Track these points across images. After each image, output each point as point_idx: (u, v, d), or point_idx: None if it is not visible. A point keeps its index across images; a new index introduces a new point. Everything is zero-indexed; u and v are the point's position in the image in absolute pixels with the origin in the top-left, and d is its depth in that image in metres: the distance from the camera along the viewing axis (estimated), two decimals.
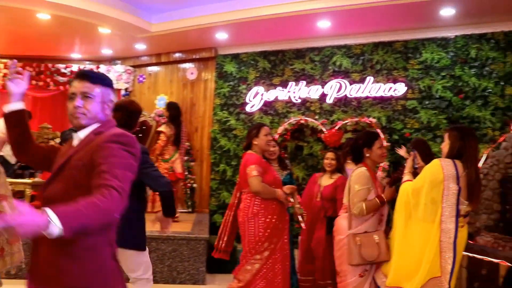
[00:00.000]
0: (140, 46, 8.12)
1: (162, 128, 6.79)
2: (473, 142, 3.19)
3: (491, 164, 5.71)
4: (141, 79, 8.82)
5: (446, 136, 3.33)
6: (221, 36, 7.34)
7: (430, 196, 3.08)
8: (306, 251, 4.82)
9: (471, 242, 4.90)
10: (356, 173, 3.73)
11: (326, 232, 4.49)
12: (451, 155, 3.19)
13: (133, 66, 8.85)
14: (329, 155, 4.88)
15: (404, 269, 3.17)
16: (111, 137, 1.87)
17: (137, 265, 3.42)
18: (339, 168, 4.83)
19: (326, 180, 4.81)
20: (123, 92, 8.76)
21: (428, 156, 4.06)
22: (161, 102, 8.42)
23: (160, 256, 5.32)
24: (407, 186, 3.30)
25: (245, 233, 4.09)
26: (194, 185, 7.99)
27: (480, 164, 5.83)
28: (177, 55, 8.33)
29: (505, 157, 5.57)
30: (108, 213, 1.65)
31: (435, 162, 3.16)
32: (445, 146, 3.30)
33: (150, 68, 8.79)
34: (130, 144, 1.89)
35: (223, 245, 4.48)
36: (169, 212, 3.42)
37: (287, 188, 4.23)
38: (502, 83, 6.21)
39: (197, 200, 8.05)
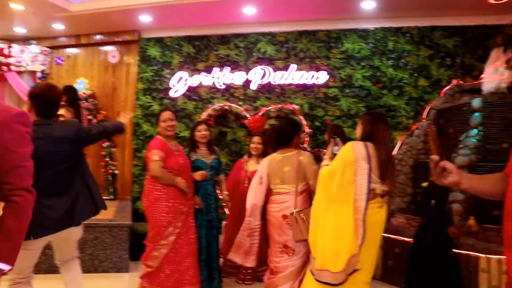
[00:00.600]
0: (58, 26, 7.70)
1: (61, 112, 6.53)
2: (382, 125, 3.34)
3: (405, 150, 6.03)
4: (59, 61, 8.39)
5: (359, 121, 3.53)
6: (145, 18, 7.14)
7: (345, 177, 3.16)
8: (232, 237, 4.66)
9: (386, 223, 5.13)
10: (307, 156, 3.96)
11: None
12: (362, 138, 3.35)
13: (50, 47, 8.37)
14: (256, 139, 4.90)
15: (327, 251, 3.18)
16: (16, 116, 1.82)
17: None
18: (265, 153, 4.78)
19: (253, 165, 4.82)
20: (39, 74, 8.28)
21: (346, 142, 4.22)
22: (80, 85, 8.03)
23: (81, 245, 5.05)
24: (324, 170, 3.37)
25: (149, 218, 4.06)
26: (116, 171, 7.74)
27: (395, 150, 6.15)
28: (98, 37, 7.99)
29: (417, 144, 5.91)
30: (29, 218, 1.81)
31: (347, 145, 3.29)
32: (358, 131, 3.48)
33: (69, 50, 8.36)
34: (30, 125, 1.89)
35: None
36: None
37: (198, 174, 4.32)
38: (416, 74, 6.58)
39: (119, 186, 7.81)
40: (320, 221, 3.33)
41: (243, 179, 4.80)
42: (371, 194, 3.16)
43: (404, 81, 6.61)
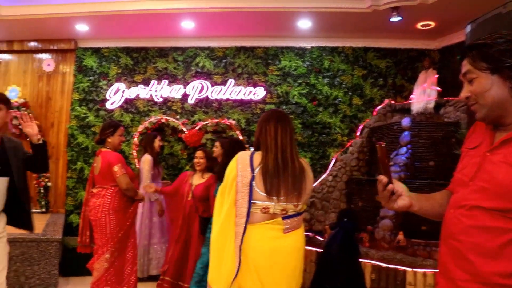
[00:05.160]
0: None
1: None
2: (272, 126, 2.62)
3: (339, 167, 6.20)
4: None
5: None
6: (82, 28, 6.98)
7: (229, 195, 2.54)
8: (176, 252, 4.74)
9: (321, 238, 5.25)
10: None
11: (199, 232, 4.49)
12: (255, 147, 2.73)
13: None
14: (198, 153, 4.87)
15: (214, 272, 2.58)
16: None
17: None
18: (210, 167, 4.83)
19: (197, 179, 4.80)
20: None
21: None
22: (12, 94, 7.76)
23: None
24: (219, 188, 2.72)
25: (105, 227, 4.16)
26: (49, 183, 7.49)
27: (329, 167, 6.30)
28: (32, 44, 7.73)
29: (351, 160, 6.09)
30: None
31: (234, 157, 2.65)
32: None
33: (0, 56, 8.06)
34: None
35: (87, 239, 4.41)
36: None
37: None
38: (350, 93, 6.78)
39: (51, 199, 7.55)
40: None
41: (187, 192, 4.76)
42: (267, 214, 2.50)
43: (339, 99, 6.80)
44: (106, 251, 4.14)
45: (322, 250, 4.47)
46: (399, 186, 1.65)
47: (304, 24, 6.39)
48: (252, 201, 2.49)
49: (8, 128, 7.58)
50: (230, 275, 2.41)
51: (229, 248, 2.46)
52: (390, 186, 1.62)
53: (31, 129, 3.18)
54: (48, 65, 7.78)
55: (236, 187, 2.50)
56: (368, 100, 6.76)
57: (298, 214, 2.58)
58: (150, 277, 5.46)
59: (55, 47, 7.66)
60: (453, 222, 1.58)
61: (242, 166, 2.54)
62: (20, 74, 7.91)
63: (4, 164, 3.06)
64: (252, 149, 2.77)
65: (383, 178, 1.63)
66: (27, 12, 6.64)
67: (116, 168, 4.15)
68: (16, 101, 7.50)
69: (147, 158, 5.47)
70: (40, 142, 3.23)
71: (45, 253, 5.11)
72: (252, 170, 2.52)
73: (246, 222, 2.45)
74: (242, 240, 2.43)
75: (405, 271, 4.29)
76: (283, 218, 2.52)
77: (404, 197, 1.66)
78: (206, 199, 4.58)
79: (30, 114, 7.17)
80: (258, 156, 2.58)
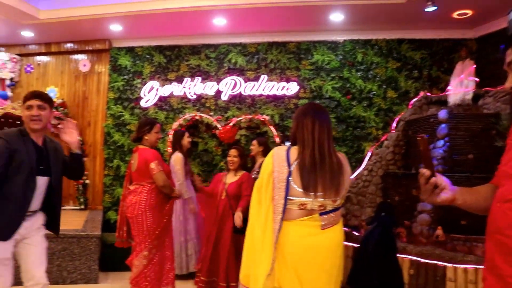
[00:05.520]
0: (27, 34, 7.61)
1: None
2: (309, 120, 2.57)
3: (374, 161, 6.12)
4: (28, 69, 8.28)
5: None
6: (116, 28, 7.11)
7: (266, 191, 2.52)
8: (210, 250, 4.73)
9: (357, 233, 5.20)
10: None
11: (234, 230, 4.48)
12: (291, 141, 2.69)
13: (20, 55, 8.25)
14: (232, 152, 4.85)
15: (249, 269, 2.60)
16: None
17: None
18: (243, 165, 4.83)
19: (230, 178, 4.79)
20: (8, 82, 8.17)
21: None
22: (51, 94, 7.96)
23: (48, 256, 4.97)
24: (255, 185, 2.71)
25: (142, 224, 4.20)
26: (87, 181, 7.68)
27: (365, 161, 6.23)
28: (68, 45, 7.92)
29: (386, 154, 6.00)
30: None
31: (270, 152, 2.63)
32: None
33: (38, 58, 8.26)
34: None
35: (124, 234, 4.47)
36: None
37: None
38: (384, 86, 6.68)
39: (90, 196, 7.74)
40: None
41: (221, 192, 4.76)
42: (304, 211, 2.46)
43: (373, 92, 6.71)
44: (144, 248, 4.19)
45: (358, 246, 4.42)
46: (442, 180, 1.60)
47: (337, 17, 6.32)
48: (289, 197, 2.45)
49: (48, 127, 7.77)
50: (266, 273, 2.41)
51: (267, 246, 2.44)
52: (433, 179, 1.58)
53: (70, 137, 3.20)
54: (84, 65, 7.95)
55: (273, 183, 2.47)
56: (403, 93, 6.65)
57: (336, 209, 2.53)
58: (190, 274, 5.49)
59: (90, 48, 7.83)
60: (500, 216, 1.52)
61: (278, 161, 2.50)
62: (58, 75, 8.12)
63: (46, 164, 3.09)
64: (287, 144, 2.75)
65: (425, 172, 1.58)
66: (64, 15, 6.82)
67: (153, 165, 4.18)
68: (54, 101, 7.67)
69: (178, 157, 5.43)
70: (79, 151, 3.26)
71: (85, 249, 5.23)
72: (289, 165, 2.48)
73: (282, 219, 2.42)
74: (277, 237, 2.41)
75: (445, 267, 4.20)
76: (321, 214, 2.47)
77: (448, 191, 1.61)
78: (239, 197, 4.60)
79: (69, 115, 7.39)
80: (294, 151, 2.53)
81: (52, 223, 3.29)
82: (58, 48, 7.99)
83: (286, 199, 2.43)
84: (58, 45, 7.98)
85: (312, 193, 2.44)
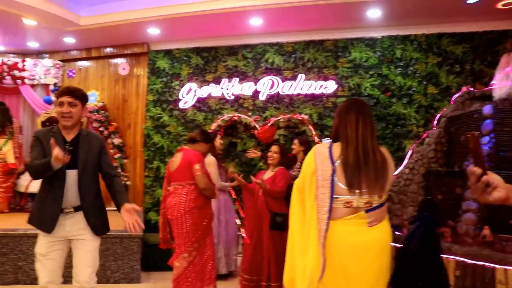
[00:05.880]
0: (69, 40, 7.83)
1: None
2: (352, 116, 2.52)
3: (416, 159, 5.99)
4: (70, 74, 8.52)
5: None
6: (153, 31, 7.23)
7: (310, 191, 2.47)
8: (250, 248, 4.74)
9: (399, 233, 5.11)
10: None
11: (270, 227, 4.45)
12: (333, 138, 2.61)
13: (62, 60, 8.51)
14: (273, 148, 4.84)
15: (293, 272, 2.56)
16: None
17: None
18: (283, 163, 4.80)
19: (268, 174, 4.79)
20: (51, 87, 8.43)
21: None
22: (92, 98, 8.16)
23: None
24: (294, 184, 2.69)
25: (182, 225, 4.21)
26: (128, 182, 7.84)
27: (405, 159, 6.12)
28: (108, 49, 8.11)
29: (428, 152, 5.87)
30: None
31: (311, 150, 2.57)
32: None
33: (80, 63, 8.49)
34: None
35: (168, 235, 4.52)
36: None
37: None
38: (424, 82, 6.54)
39: (130, 197, 7.88)
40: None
41: (258, 188, 4.73)
42: (350, 209, 2.41)
43: (413, 89, 6.57)
44: (184, 251, 4.21)
45: (401, 246, 4.32)
46: (494, 178, 1.52)
47: (374, 13, 6.23)
48: (334, 195, 2.39)
49: (88, 130, 7.97)
50: (315, 275, 2.35)
51: (313, 246, 2.39)
52: (484, 177, 1.50)
53: (129, 218, 3.03)
54: (123, 69, 8.11)
55: (316, 182, 2.42)
56: (444, 89, 6.48)
57: (381, 204, 2.46)
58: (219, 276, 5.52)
59: (129, 52, 7.99)
60: None
61: (321, 159, 2.45)
62: (98, 79, 8.32)
63: (74, 157, 2.99)
64: (326, 140, 2.68)
65: (476, 170, 1.51)
66: (103, 20, 7.00)
67: (197, 166, 4.22)
68: (95, 105, 7.90)
69: (211, 160, 5.41)
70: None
71: (128, 249, 5.32)
72: (333, 163, 2.43)
73: (329, 218, 2.36)
74: (325, 237, 2.35)
75: (494, 269, 4.04)
76: (367, 211, 2.41)
77: (500, 189, 1.52)
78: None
79: (109, 118, 7.55)
80: (337, 148, 2.48)
81: (90, 222, 3.12)
82: (98, 53, 8.20)
83: (332, 197, 2.38)
84: (98, 50, 8.18)
85: (357, 190, 2.39)
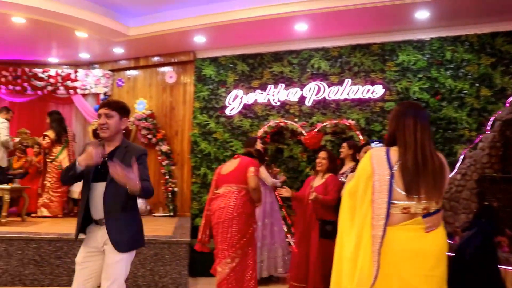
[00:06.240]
0: (118, 50, 8.07)
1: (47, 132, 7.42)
2: (410, 120, 2.45)
3: (468, 164, 5.80)
4: (120, 83, 8.76)
5: None
6: (199, 39, 7.33)
7: (365, 195, 2.42)
8: (298, 256, 4.71)
9: (450, 241, 4.95)
10: None
11: (319, 235, 4.40)
12: (387, 142, 2.56)
13: (112, 70, 8.78)
14: (321, 154, 4.79)
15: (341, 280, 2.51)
16: None
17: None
18: (332, 169, 4.73)
19: (317, 181, 4.72)
20: (102, 96, 8.70)
21: None
22: (140, 106, 8.36)
23: (141, 261, 5.27)
24: (345, 188, 2.66)
25: (228, 229, 4.20)
26: (176, 189, 7.97)
27: (457, 165, 5.93)
28: (155, 58, 8.29)
29: (481, 157, 5.67)
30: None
31: (366, 154, 2.52)
32: None
33: (128, 72, 8.72)
34: None
35: (206, 238, 4.54)
36: None
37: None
38: (477, 84, 6.31)
39: (178, 204, 8.02)
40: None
41: (308, 195, 4.64)
42: (407, 215, 2.34)
43: (465, 91, 6.36)
44: (227, 256, 4.19)
45: (453, 255, 4.14)
46: None
47: (422, 14, 6.09)
48: (392, 201, 2.33)
49: (137, 137, 8.20)
50: (367, 283, 2.28)
51: (365, 253, 2.32)
52: None
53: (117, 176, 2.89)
54: (170, 77, 8.27)
55: (373, 187, 2.36)
56: (498, 91, 6.22)
57: (438, 210, 2.38)
58: (267, 278, 5.53)
59: (176, 60, 8.15)
60: None
61: (378, 163, 2.39)
62: (146, 87, 8.52)
63: (105, 169, 2.90)
64: (377, 144, 2.61)
65: None
66: (151, 30, 7.17)
67: (252, 168, 4.25)
68: (143, 113, 8.08)
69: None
70: (135, 191, 2.90)
71: (176, 255, 5.36)
72: (391, 167, 2.36)
73: (386, 224, 2.30)
74: (381, 243, 2.28)
75: None
76: (424, 217, 2.33)
77: None
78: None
79: (157, 125, 7.71)
80: (394, 153, 2.41)
81: (111, 236, 3.00)
82: (146, 62, 8.40)
83: (389, 203, 2.32)
84: (146, 59, 8.38)
85: (416, 196, 2.32)
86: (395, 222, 2.34)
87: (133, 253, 3.14)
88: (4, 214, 6.25)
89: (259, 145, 5.62)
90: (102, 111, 3.05)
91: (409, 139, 2.40)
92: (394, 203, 2.34)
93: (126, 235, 3.06)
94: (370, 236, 2.32)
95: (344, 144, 5.19)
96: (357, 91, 6.81)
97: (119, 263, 3.02)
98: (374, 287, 2.30)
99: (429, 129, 2.45)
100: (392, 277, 2.32)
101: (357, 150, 4.68)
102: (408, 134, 2.41)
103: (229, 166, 4.43)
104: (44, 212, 7.19)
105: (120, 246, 3.02)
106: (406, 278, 2.31)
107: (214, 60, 7.84)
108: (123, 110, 3.12)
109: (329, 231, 4.25)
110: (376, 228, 2.31)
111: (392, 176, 2.34)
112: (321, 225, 4.39)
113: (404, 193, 2.32)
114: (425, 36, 6.62)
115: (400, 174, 2.34)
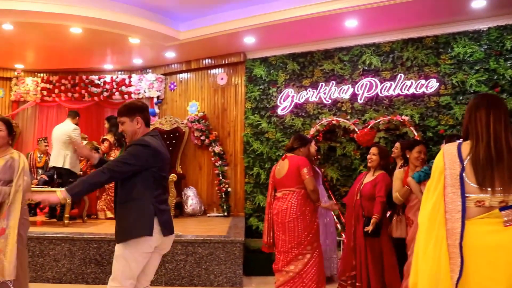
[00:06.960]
0: (170, 54, 8.26)
1: (107, 136, 7.77)
2: (483, 112, 2.40)
3: None
4: (172, 86, 8.96)
5: None
6: (249, 40, 7.39)
7: (436, 189, 2.41)
8: (345, 252, 4.73)
9: None
10: None
11: (364, 233, 4.36)
12: (463, 136, 2.52)
13: (164, 74, 9.00)
14: (372, 149, 4.75)
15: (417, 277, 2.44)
16: None
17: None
18: (383, 166, 4.67)
19: (368, 178, 4.69)
20: (155, 100, 8.94)
21: None
22: (193, 108, 8.52)
23: (197, 260, 5.39)
24: (426, 186, 2.60)
25: (294, 230, 4.25)
26: (229, 189, 8.07)
27: None
28: (206, 61, 8.43)
29: None
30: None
31: (440, 151, 2.50)
32: None
33: (180, 75, 8.91)
34: None
35: (271, 240, 4.55)
36: None
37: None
38: None
39: (232, 203, 8.11)
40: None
41: (357, 191, 4.65)
42: (482, 208, 2.27)
43: None
44: (298, 254, 4.23)
45: None
46: None
47: (478, 3, 5.87)
48: (465, 194, 2.30)
49: (190, 139, 8.36)
50: (442, 280, 2.24)
51: (437, 249, 2.29)
52: None
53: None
54: (222, 78, 8.38)
55: (445, 181, 2.34)
56: None
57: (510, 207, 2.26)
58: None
59: (227, 62, 8.25)
60: None
61: (449, 158, 2.37)
62: (198, 90, 8.67)
63: None
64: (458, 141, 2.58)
65: None
66: (201, 33, 7.30)
67: (305, 170, 4.24)
68: (196, 115, 8.25)
69: None
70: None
71: (230, 254, 5.45)
72: (461, 161, 2.34)
73: (463, 217, 2.26)
74: (462, 237, 2.24)
75: None
76: (501, 210, 2.25)
77: None
78: (373, 198, 4.44)
79: (210, 127, 7.83)
80: (466, 146, 2.38)
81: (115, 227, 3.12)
82: (197, 64, 8.55)
83: (463, 196, 2.29)
84: (197, 62, 8.53)
85: (490, 189, 2.25)
86: (469, 216, 2.29)
87: (138, 250, 3.02)
88: (66, 216, 6.55)
89: (313, 147, 5.56)
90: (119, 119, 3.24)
91: (481, 131, 2.36)
92: (467, 196, 2.30)
93: (121, 226, 3.09)
94: (444, 231, 2.29)
95: (397, 144, 5.10)
96: (410, 86, 6.65)
97: (117, 258, 3.05)
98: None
99: (505, 121, 2.36)
100: (468, 274, 2.25)
101: (409, 148, 4.57)
102: (480, 125, 2.37)
103: (281, 169, 4.43)
104: (108, 214, 7.45)
105: (116, 236, 3.10)
106: (482, 274, 2.24)
107: (264, 60, 7.88)
108: (130, 111, 3.18)
109: (373, 230, 4.21)
110: (452, 221, 2.28)
111: (463, 169, 2.32)
112: (365, 223, 4.37)
113: (476, 186, 2.28)
114: (482, 26, 6.37)
115: (471, 167, 2.31)
